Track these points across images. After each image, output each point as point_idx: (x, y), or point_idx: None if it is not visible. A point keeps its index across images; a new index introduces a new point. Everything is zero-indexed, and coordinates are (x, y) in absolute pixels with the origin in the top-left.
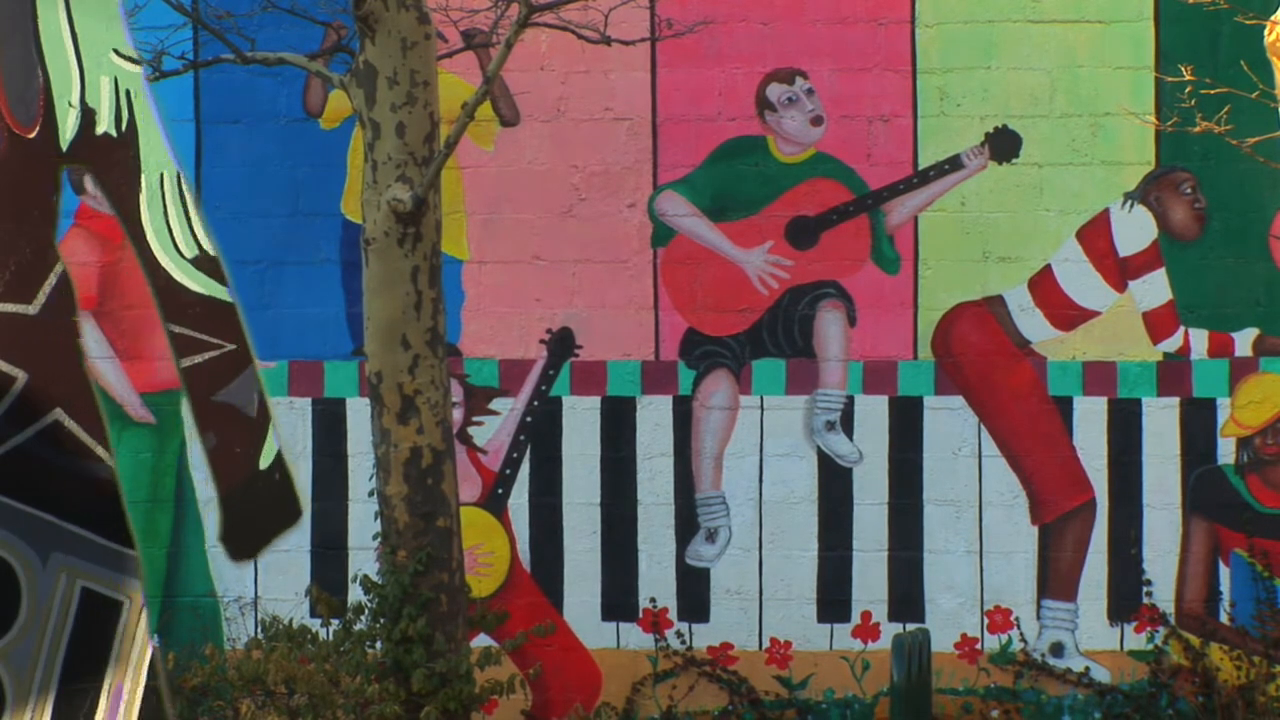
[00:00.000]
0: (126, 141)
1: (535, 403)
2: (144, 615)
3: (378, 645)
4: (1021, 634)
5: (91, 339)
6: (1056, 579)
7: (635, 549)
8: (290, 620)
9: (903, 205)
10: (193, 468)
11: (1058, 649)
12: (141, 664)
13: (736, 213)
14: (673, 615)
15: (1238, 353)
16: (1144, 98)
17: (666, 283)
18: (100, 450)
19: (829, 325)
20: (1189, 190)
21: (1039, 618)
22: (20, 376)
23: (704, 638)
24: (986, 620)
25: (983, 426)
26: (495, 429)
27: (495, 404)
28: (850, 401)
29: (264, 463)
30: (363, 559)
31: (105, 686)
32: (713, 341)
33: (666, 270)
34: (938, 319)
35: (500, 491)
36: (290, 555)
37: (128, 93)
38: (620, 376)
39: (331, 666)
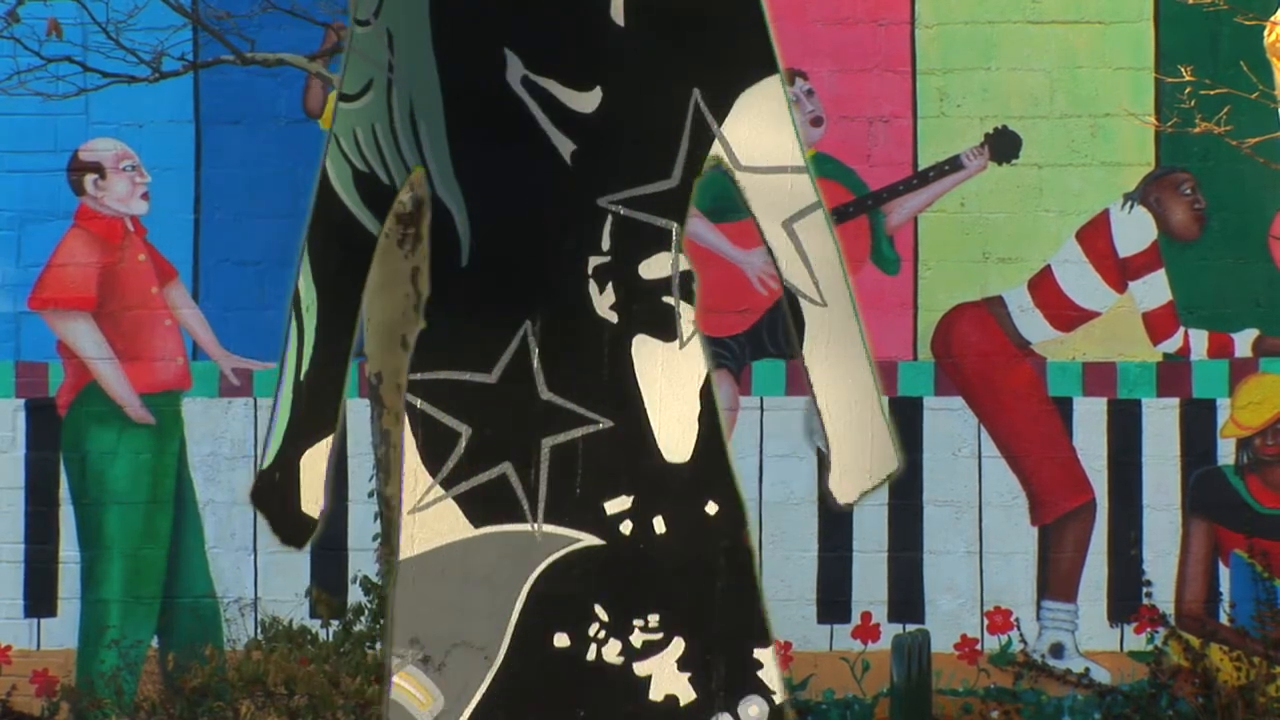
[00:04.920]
0: None
1: None
2: None
3: (378, 646)
4: (1021, 635)
5: (91, 339)
6: (1056, 580)
7: None
8: (290, 621)
9: (902, 206)
10: (192, 468)
11: (1058, 650)
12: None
13: (736, 213)
14: None
15: (1238, 353)
16: (1144, 98)
17: None
18: None
19: None
20: (1189, 191)
21: (1039, 618)
22: None
23: None
24: (986, 621)
25: (982, 427)
26: None
27: None
28: None
29: None
30: (362, 560)
31: None
32: (713, 342)
33: None
34: (937, 320)
35: None
36: (290, 556)
37: None
38: None
39: (331, 667)
